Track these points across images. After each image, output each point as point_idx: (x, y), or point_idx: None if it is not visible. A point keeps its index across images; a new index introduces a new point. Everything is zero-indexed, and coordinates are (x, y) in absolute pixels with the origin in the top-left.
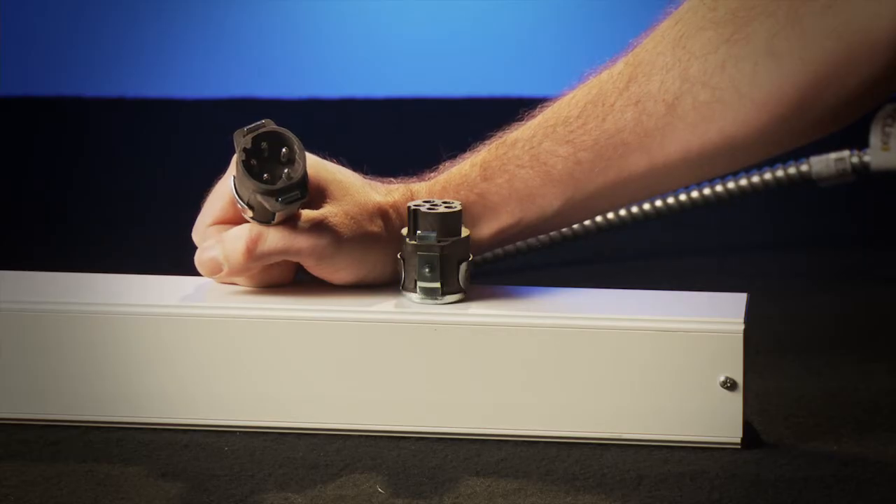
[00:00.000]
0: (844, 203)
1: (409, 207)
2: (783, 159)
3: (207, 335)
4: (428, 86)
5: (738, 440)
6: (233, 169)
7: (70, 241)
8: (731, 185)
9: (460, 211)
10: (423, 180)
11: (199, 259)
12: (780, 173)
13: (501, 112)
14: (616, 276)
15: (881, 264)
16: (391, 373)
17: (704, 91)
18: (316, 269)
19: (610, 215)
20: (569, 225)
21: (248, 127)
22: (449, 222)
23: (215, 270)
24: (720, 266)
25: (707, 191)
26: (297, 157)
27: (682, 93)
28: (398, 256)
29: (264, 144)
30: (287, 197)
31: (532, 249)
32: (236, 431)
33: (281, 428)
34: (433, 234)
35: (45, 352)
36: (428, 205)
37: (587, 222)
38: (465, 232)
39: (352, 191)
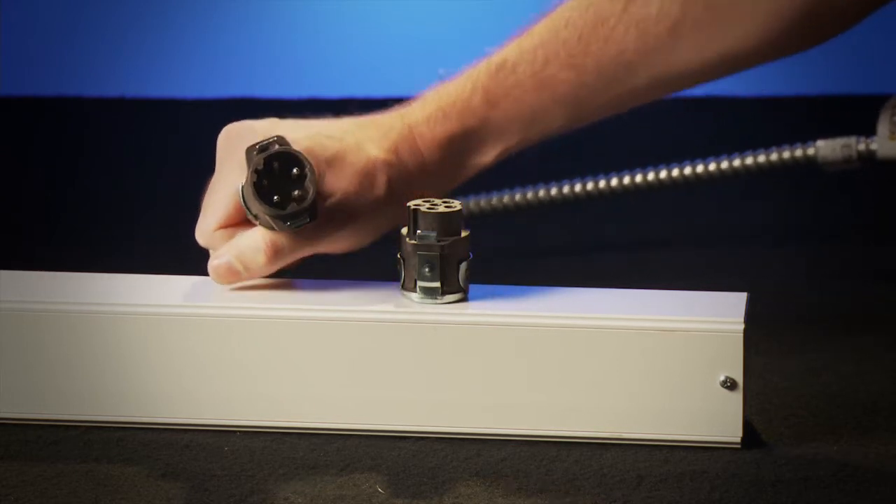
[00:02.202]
0: (845, 202)
1: (408, 207)
2: (789, 141)
3: (207, 335)
4: (428, 86)
5: (738, 440)
6: (236, 171)
7: (70, 241)
8: (736, 162)
9: (460, 210)
10: (417, 102)
11: (215, 268)
12: (786, 154)
13: None
14: (616, 275)
15: (882, 264)
16: (391, 373)
17: (706, 12)
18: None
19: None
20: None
21: (259, 144)
22: (449, 222)
23: (233, 279)
24: (720, 266)
25: (712, 166)
26: (307, 180)
27: (682, 14)
28: (398, 256)
29: (276, 164)
30: (296, 222)
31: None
32: (236, 431)
33: (281, 428)
34: (433, 234)
35: (45, 352)
36: (428, 204)
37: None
38: (464, 232)
39: (349, 157)
